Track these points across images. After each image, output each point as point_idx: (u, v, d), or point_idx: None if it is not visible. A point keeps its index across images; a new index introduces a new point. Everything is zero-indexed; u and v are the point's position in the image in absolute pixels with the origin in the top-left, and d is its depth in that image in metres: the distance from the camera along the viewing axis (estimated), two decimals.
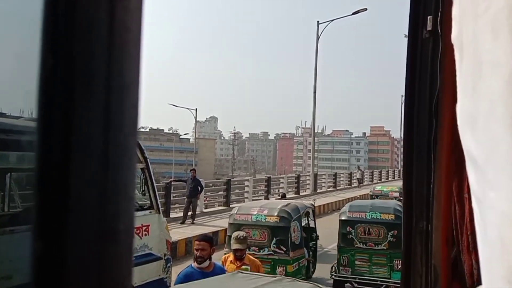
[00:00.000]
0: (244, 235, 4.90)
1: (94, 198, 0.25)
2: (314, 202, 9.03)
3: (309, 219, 7.78)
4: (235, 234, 4.85)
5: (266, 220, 6.56)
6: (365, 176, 32.08)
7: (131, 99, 0.27)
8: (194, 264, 3.92)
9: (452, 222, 1.19)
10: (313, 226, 7.76)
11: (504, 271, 0.35)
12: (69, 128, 0.25)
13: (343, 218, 7.19)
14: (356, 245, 6.91)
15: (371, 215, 6.89)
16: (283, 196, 12.81)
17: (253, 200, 17.04)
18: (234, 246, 4.67)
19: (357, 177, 29.29)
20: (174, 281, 4.01)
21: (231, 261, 4.67)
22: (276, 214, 6.61)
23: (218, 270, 3.97)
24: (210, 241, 4.03)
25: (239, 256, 4.66)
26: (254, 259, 4.92)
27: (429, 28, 1.21)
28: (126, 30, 0.26)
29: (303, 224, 7.28)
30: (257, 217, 6.64)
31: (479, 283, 0.59)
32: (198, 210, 13.23)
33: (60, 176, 0.25)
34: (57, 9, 0.23)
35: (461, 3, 0.43)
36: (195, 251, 3.93)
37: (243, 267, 4.56)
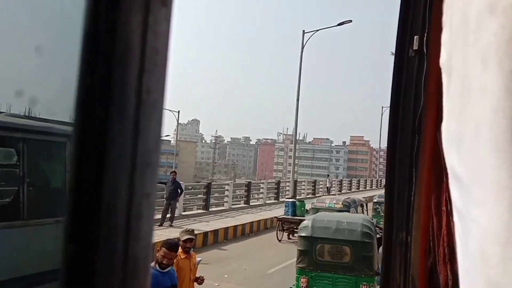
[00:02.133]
0: (192, 229, 5.17)
1: (122, 204, 0.28)
2: (366, 199, 13.89)
3: (364, 209, 12.03)
4: (184, 229, 5.05)
5: (335, 206, 10.89)
6: (344, 185, 32.30)
7: (156, 116, 0.29)
8: (155, 266, 4.00)
9: (431, 234, 1.24)
10: (367, 214, 11.71)
11: (483, 283, 0.37)
12: (103, 142, 0.27)
13: (375, 200, 14.13)
14: (381, 214, 11.86)
15: None
16: (293, 197, 16.68)
17: (232, 205, 17.01)
18: (185, 236, 4.79)
19: (327, 186, 27.38)
20: None
21: (184, 258, 4.76)
22: (341, 203, 11.11)
23: (172, 270, 4.16)
24: (177, 250, 4.18)
25: (187, 249, 4.81)
26: (194, 252, 5.22)
27: (415, 47, 1.26)
28: (155, 53, 0.28)
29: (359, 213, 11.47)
30: (329, 204, 11.13)
31: None
32: (176, 213, 13.11)
33: (94, 183, 0.27)
34: (97, 34, 0.25)
35: (452, 30, 0.44)
36: (161, 257, 3.98)
37: (198, 259, 5.06)
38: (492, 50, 0.38)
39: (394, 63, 1.31)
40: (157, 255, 4.12)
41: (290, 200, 14.07)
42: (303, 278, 6.41)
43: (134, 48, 0.27)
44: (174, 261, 4.68)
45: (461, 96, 0.43)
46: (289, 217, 13.06)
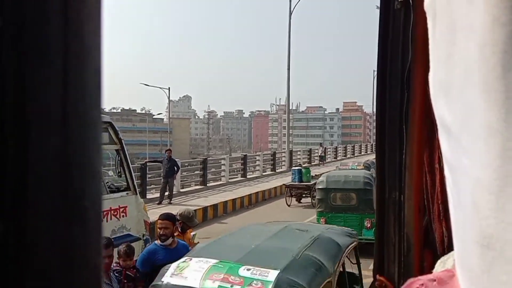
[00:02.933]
0: (192, 213, 5.27)
1: (55, 174, 0.24)
2: None
3: None
4: (187, 212, 5.10)
5: (357, 167, 13.42)
6: (339, 151, 32.52)
7: (92, 64, 0.25)
8: (158, 242, 4.03)
9: (423, 192, 1.22)
10: None
11: (476, 236, 0.35)
12: (24, 98, 0.22)
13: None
14: None
15: None
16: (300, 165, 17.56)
17: (229, 179, 17.14)
18: (195, 223, 5.06)
19: (319, 154, 26.68)
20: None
21: (177, 234, 4.78)
22: (362, 164, 14.13)
23: (181, 247, 4.10)
24: (173, 219, 4.17)
25: (184, 230, 4.90)
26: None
27: None
28: None
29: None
30: (352, 166, 14.25)
31: (449, 249, 0.61)
32: (175, 190, 13.20)
33: (16, 151, 0.23)
34: None
35: None
36: (158, 229, 4.03)
37: (192, 234, 5.07)
38: None
39: (380, 17, 1.26)
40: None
41: (297, 168, 14.83)
42: (322, 218, 8.70)
43: None
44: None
45: (447, 39, 0.39)
46: (296, 183, 13.98)
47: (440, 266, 0.67)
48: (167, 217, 4.11)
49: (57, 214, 0.24)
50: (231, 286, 2.67)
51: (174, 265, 3.04)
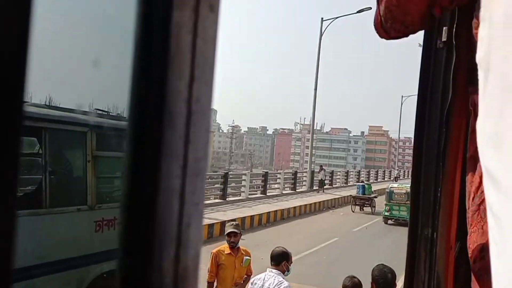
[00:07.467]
0: (237, 223, 4.93)
1: (174, 214, 0.28)
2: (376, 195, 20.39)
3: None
4: (229, 223, 4.87)
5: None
6: (362, 175, 31.99)
7: (204, 124, 0.29)
8: None
9: (456, 230, 1.22)
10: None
11: None
12: (157, 151, 0.27)
13: None
14: None
15: None
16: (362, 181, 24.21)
17: (249, 195, 17.12)
18: (229, 229, 4.56)
19: (320, 178, 22.20)
20: None
21: (228, 253, 4.47)
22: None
23: None
24: None
25: (233, 244, 4.46)
26: (246, 248, 4.81)
27: (443, 39, 1.23)
28: (204, 59, 0.28)
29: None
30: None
31: None
32: None
33: (149, 193, 0.27)
34: (151, 45, 0.26)
35: (492, 25, 0.42)
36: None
37: (245, 258, 4.52)
38: None
39: (422, 54, 1.28)
40: None
41: (361, 183, 20.54)
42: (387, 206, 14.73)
43: (185, 55, 0.27)
44: (215, 256, 4.40)
45: (501, 95, 0.41)
46: (360, 195, 19.14)
47: None
48: None
49: (170, 248, 0.28)
50: None
51: None
